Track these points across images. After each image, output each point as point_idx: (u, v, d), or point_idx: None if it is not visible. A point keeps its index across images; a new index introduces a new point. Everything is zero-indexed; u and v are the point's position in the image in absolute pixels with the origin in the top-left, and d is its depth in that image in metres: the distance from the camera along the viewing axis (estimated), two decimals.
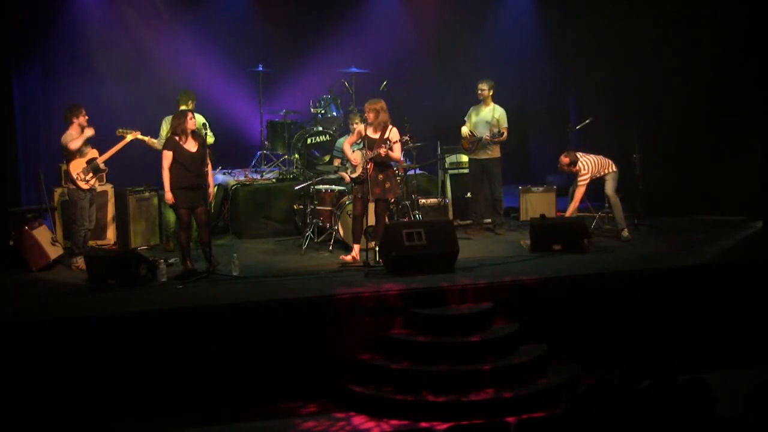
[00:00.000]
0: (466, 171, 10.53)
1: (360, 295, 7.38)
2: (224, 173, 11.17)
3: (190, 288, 7.83)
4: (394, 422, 6.67)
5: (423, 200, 10.16)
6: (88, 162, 8.75)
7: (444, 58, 12.85)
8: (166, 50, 11.57)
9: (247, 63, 11.63)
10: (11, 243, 8.84)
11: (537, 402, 6.78)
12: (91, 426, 6.70)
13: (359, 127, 8.85)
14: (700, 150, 10.68)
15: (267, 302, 7.28)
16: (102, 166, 8.86)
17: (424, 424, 6.62)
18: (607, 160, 9.60)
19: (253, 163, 11.57)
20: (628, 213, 9.92)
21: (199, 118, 8.92)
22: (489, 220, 10.32)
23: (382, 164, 8.59)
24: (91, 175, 8.74)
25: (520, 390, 6.87)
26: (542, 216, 9.37)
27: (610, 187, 9.55)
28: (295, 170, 10.73)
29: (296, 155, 10.70)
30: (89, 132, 8.75)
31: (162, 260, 8.29)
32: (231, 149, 11.63)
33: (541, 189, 10.95)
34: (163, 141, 8.78)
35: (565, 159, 9.50)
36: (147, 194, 9.93)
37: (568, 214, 9.56)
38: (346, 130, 10.42)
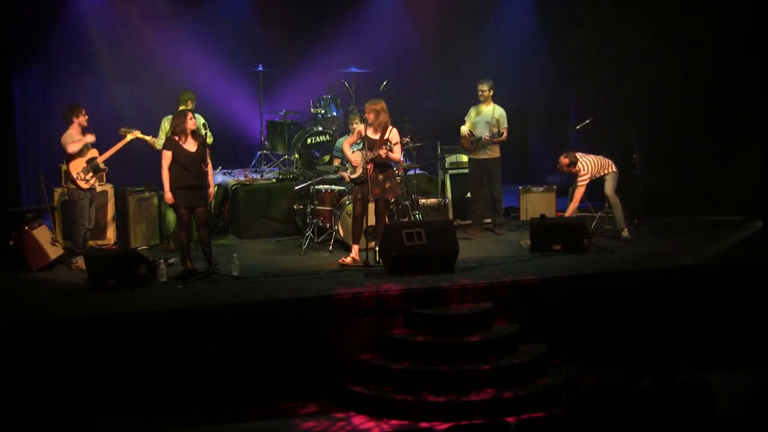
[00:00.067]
0: (466, 171, 10.52)
1: (360, 295, 7.37)
2: (224, 173, 11.17)
3: (190, 288, 7.83)
4: (394, 422, 6.66)
5: (423, 200, 10.16)
6: (88, 162, 8.75)
7: (444, 58, 12.85)
8: (167, 50, 11.57)
9: (247, 63, 11.64)
10: (11, 243, 8.83)
11: (537, 402, 6.77)
12: (91, 426, 6.69)
13: (359, 127, 8.83)
14: (700, 150, 10.67)
15: (267, 302, 7.28)
16: (102, 165, 8.86)
17: (424, 424, 6.61)
18: (606, 160, 9.60)
19: (253, 163, 11.57)
20: (628, 213, 9.92)
21: (199, 118, 8.92)
22: (489, 220, 10.31)
23: (382, 164, 8.57)
24: (91, 174, 8.74)
25: (520, 390, 6.87)
26: (542, 216, 9.36)
27: (609, 187, 9.54)
28: (295, 170, 10.72)
29: (296, 155, 10.70)
30: (89, 138, 8.77)
31: (162, 260, 8.30)
32: (231, 149, 11.65)
33: (541, 189, 10.95)
34: (163, 141, 8.79)
35: (564, 160, 9.50)
36: (147, 194, 9.92)
37: (567, 214, 9.55)
38: (346, 130, 10.42)
